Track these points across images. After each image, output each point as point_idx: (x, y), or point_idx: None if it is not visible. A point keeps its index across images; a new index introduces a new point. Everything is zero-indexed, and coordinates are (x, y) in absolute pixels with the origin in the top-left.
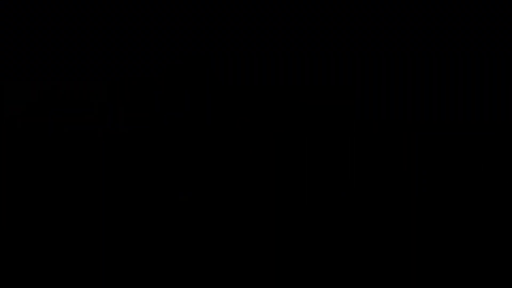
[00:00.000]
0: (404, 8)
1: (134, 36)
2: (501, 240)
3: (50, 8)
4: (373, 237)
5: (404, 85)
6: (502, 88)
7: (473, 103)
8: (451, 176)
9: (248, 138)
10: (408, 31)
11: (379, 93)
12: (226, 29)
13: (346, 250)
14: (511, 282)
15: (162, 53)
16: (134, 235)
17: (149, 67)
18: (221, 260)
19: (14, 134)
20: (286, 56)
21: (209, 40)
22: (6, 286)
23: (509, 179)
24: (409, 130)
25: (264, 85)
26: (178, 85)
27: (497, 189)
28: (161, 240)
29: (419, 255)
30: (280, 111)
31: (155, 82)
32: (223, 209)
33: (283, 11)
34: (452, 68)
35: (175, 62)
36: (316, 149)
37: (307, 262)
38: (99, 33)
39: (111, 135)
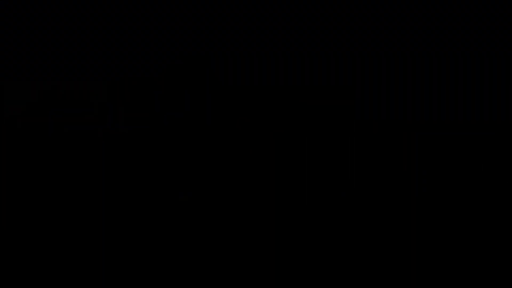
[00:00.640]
0: (404, 8)
1: (134, 36)
2: (501, 240)
3: (50, 8)
4: (373, 237)
5: (404, 85)
6: (502, 88)
7: (473, 103)
8: (451, 176)
9: (248, 138)
10: (408, 31)
11: (379, 93)
12: (226, 29)
13: (346, 250)
14: (511, 282)
15: (162, 53)
16: (134, 235)
17: (149, 67)
18: (221, 260)
19: (14, 134)
20: (286, 56)
21: (209, 40)
22: (6, 286)
23: (509, 179)
24: (409, 130)
25: (264, 85)
26: (178, 85)
27: (497, 189)
28: (161, 240)
29: (419, 255)
30: (280, 111)
31: (155, 82)
32: (223, 209)
33: (283, 11)
34: (452, 68)
35: (175, 62)
36: (316, 149)
37: (307, 262)
38: (99, 33)
39: (111, 135)
